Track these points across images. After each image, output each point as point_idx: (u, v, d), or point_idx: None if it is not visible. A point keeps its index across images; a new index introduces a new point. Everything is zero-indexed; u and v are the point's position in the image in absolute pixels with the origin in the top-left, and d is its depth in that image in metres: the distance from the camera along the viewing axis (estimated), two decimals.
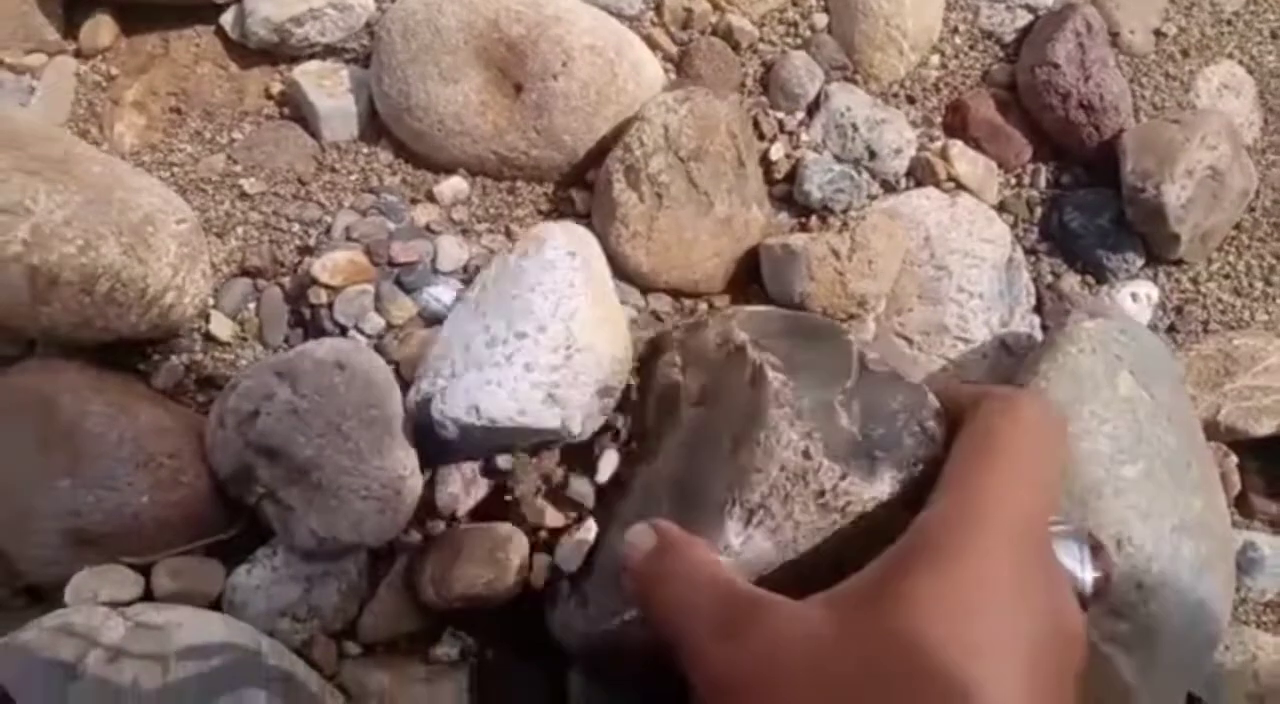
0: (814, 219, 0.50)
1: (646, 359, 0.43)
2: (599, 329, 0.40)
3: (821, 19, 0.53)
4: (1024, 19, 0.55)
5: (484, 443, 0.41)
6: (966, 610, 0.26)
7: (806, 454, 0.33)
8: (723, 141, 0.46)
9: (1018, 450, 0.31)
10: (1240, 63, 0.56)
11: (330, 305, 0.45)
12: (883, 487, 0.33)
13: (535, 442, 0.41)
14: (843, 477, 0.33)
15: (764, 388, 0.34)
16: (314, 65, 0.51)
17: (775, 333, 0.38)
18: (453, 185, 0.49)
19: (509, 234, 0.49)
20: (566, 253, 0.41)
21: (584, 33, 0.46)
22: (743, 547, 0.34)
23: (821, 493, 0.33)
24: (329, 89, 0.50)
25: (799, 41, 0.53)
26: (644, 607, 0.33)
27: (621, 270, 0.47)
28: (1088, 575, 0.32)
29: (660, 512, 0.36)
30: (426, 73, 0.47)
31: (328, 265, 0.45)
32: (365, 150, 0.51)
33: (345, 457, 0.41)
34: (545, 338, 0.39)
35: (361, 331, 0.45)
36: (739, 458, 0.34)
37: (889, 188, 0.51)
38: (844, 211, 0.50)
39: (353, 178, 0.50)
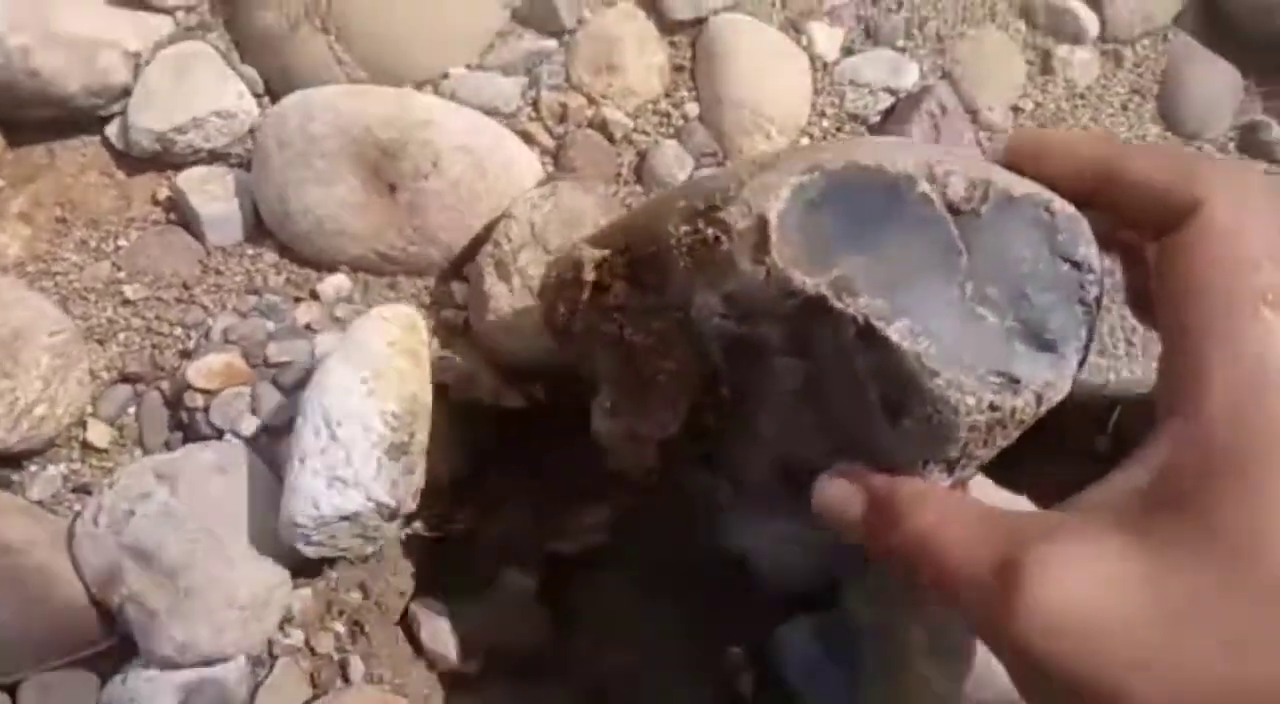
0: None
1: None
2: (359, 394, 0.40)
3: (693, 108, 0.56)
4: (886, 101, 0.57)
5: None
6: None
7: (993, 406, 0.28)
8: (589, 232, 0.48)
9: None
10: None
11: (207, 409, 0.46)
12: (1072, 363, 0.29)
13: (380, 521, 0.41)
14: (1038, 398, 0.28)
15: (895, 355, 0.27)
16: (199, 171, 0.52)
17: (823, 236, 0.28)
18: (335, 283, 0.50)
19: None
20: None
21: (453, 134, 0.48)
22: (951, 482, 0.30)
23: (1022, 420, 0.29)
24: (212, 194, 0.51)
25: (672, 131, 0.55)
26: (888, 556, 0.28)
27: (499, 361, 0.48)
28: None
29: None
30: (302, 177, 0.48)
31: (202, 370, 0.46)
32: (250, 252, 0.52)
33: (216, 563, 0.41)
34: (307, 425, 0.40)
35: (238, 434, 0.46)
36: (904, 425, 0.28)
37: None
38: None
39: (238, 279, 0.51)
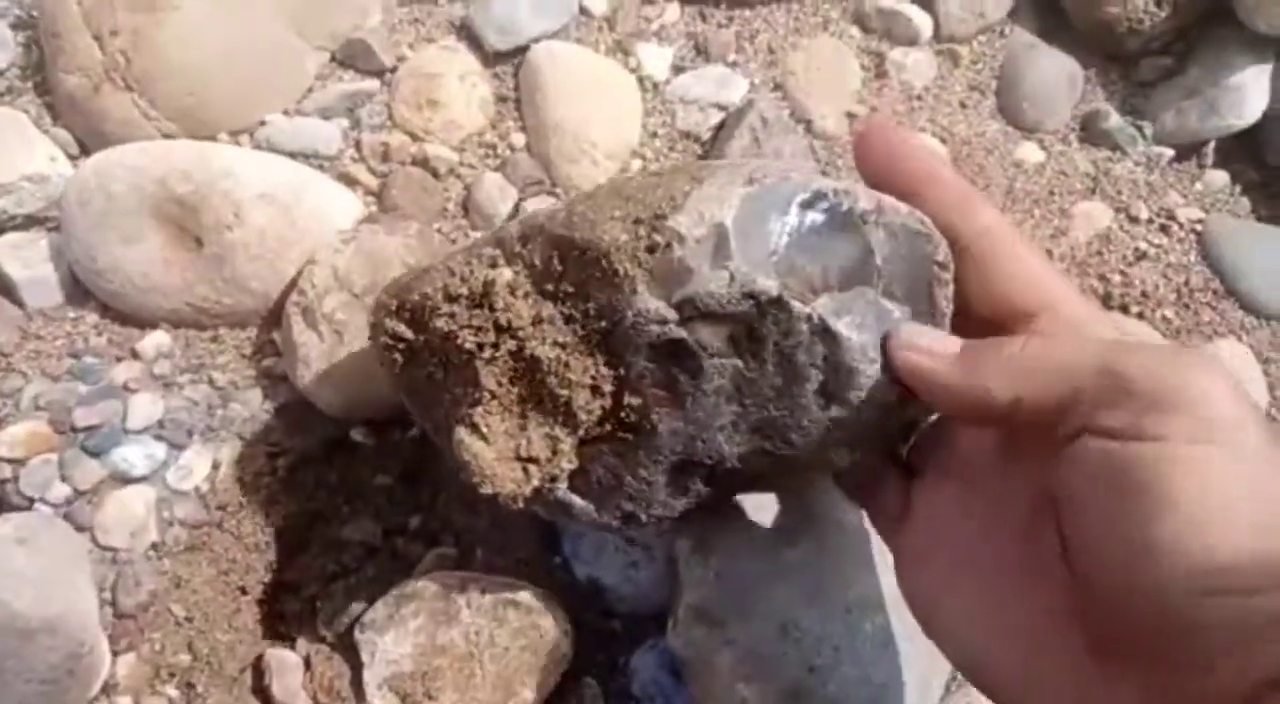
0: None
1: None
2: None
3: (520, 138, 0.56)
4: (716, 117, 0.57)
5: None
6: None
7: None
8: (398, 273, 0.47)
9: None
10: (933, 134, 0.59)
11: (16, 479, 0.45)
12: None
13: None
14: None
15: (843, 347, 0.31)
16: (13, 237, 0.52)
17: (773, 241, 0.31)
18: (154, 340, 0.50)
19: (211, 382, 0.49)
20: None
21: (254, 183, 0.48)
22: None
23: (915, 400, 0.33)
24: (27, 260, 0.51)
25: (499, 162, 0.55)
26: (973, 385, 0.29)
27: (313, 407, 0.47)
28: None
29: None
30: (107, 237, 0.48)
31: (6, 439, 0.45)
32: (71, 314, 0.51)
33: (12, 637, 0.40)
34: None
35: (47, 502, 0.45)
36: (833, 411, 0.32)
37: None
38: None
39: (58, 343, 0.50)
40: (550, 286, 0.33)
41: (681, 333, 0.31)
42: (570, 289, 0.33)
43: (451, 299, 0.34)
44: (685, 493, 0.36)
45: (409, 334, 0.36)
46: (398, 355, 0.37)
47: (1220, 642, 0.23)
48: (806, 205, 0.31)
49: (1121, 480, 0.25)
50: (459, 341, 0.34)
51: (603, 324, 0.32)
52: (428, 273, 0.36)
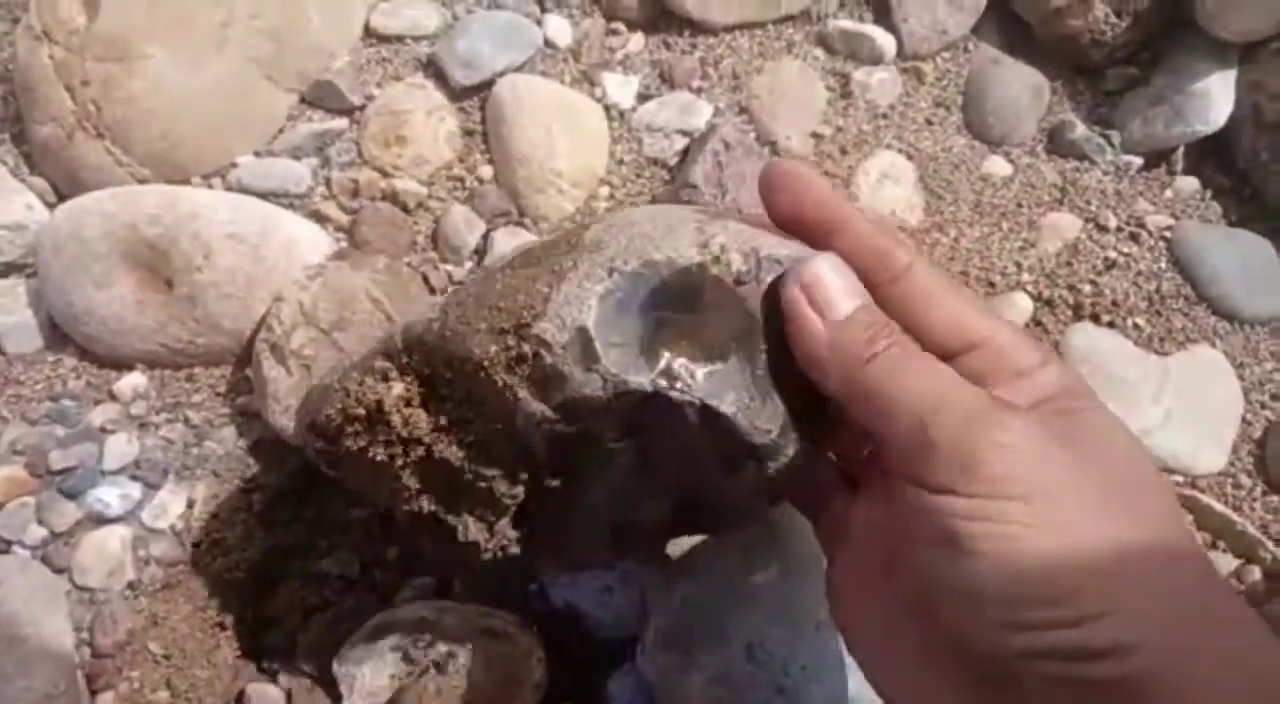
0: None
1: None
2: None
3: (487, 171, 0.56)
4: (681, 143, 0.58)
5: None
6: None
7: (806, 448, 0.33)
8: (365, 307, 0.48)
9: None
10: (899, 151, 0.60)
11: None
12: None
13: None
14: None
15: (731, 424, 0.31)
16: None
17: (641, 332, 0.31)
18: (131, 382, 0.51)
19: (187, 421, 0.50)
20: None
21: (222, 224, 0.49)
22: None
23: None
24: (6, 306, 0.52)
25: (466, 194, 0.56)
26: (851, 372, 0.29)
27: (286, 443, 0.48)
28: None
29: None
30: (81, 281, 0.49)
31: None
32: (51, 358, 0.52)
33: None
34: None
35: (24, 545, 0.46)
36: (743, 475, 0.33)
37: None
38: None
39: (38, 387, 0.51)
40: (445, 391, 0.34)
41: (572, 429, 0.32)
42: (462, 395, 0.33)
43: (351, 420, 0.35)
44: (628, 544, 0.37)
45: (329, 448, 0.37)
46: (325, 462, 0.38)
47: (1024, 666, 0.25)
48: (667, 287, 0.31)
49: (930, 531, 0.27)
50: (371, 455, 0.35)
51: (499, 426, 0.32)
52: (328, 392, 0.36)
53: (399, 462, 0.35)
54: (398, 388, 0.34)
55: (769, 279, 0.31)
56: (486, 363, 0.31)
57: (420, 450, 0.34)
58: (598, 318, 0.30)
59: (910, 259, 0.32)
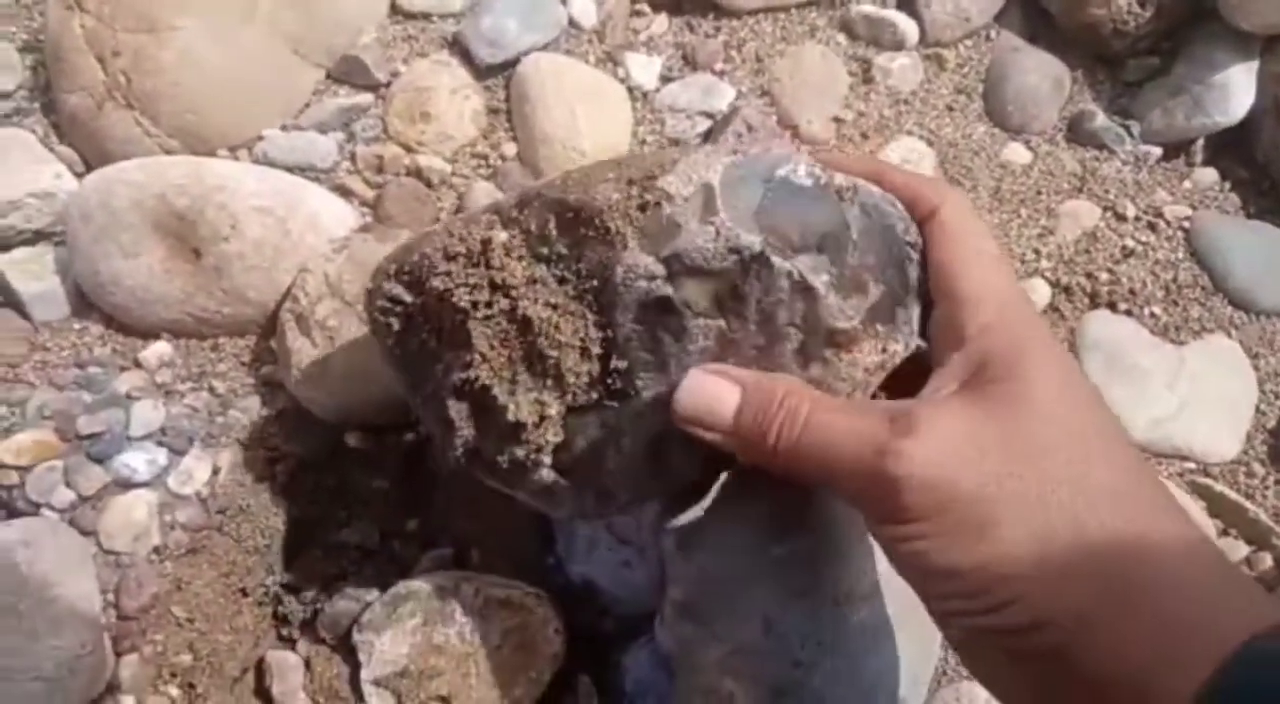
0: None
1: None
2: None
3: (511, 148, 0.57)
4: (704, 124, 0.58)
5: None
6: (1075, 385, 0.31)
7: (884, 350, 0.35)
8: None
9: (997, 247, 0.35)
10: (920, 137, 0.60)
11: (23, 485, 0.47)
12: (917, 318, 0.35)
13: None
14: (906, 345, 0.35)
15: (820, 305, 0.33)
16: (21, 253, 0.53)
17: (754, 204, 0.33)
18: (157, 350, 0.51)
19: (212, 389, 0.51)
20: None
21: (249, 196, 0.49)
22: None
23: (895, 364, 0.35)
24: (35, 273, 0.52)
25: (490, 171, 0.56)
26: (767, 462, 0.33)
27: (309, 413, 0.48)
28: None
29: None
30: (109, 250, 0.49)
31: (12, 447, 0.46)
32: (77, 326, 0.53)
33: (18, 637, 0.41)
34: None
35: (53, 508, 0.46)
36: (812, 371, 0.34)
37: None
38: None
39: (65, 354, 0.52)
40: (544, 249, 0.34)
41: (668, 290, 0.33)
42: (563, 251, 0.34)
43: (450, 258, 0.36)
44: (664, 471, 0.37)
45: (406, 297, 0.37)
46: (393, 320, 0.38)
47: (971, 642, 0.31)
48: (787, 173, 0.33)
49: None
50: (454, 299, 0.35)
51: (594, 283, 0.34)
52: (428, 236, 0.37)
53: (480, 313, 0.35)
54: (503, 235, 0.35)
55: (863, 205, 0.34)
56: (606, 209, 0.33)
57: (505, 303, 0.35)
58: (723, 178, 0.32)
59: (938, 202, 0.35)
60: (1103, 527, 0.28)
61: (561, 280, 0.34)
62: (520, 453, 0.36)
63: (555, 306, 0.34)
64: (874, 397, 0.37)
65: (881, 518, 0.30)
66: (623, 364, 0.34)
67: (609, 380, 0.35)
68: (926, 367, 0.34)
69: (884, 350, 0.35)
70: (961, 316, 0.33)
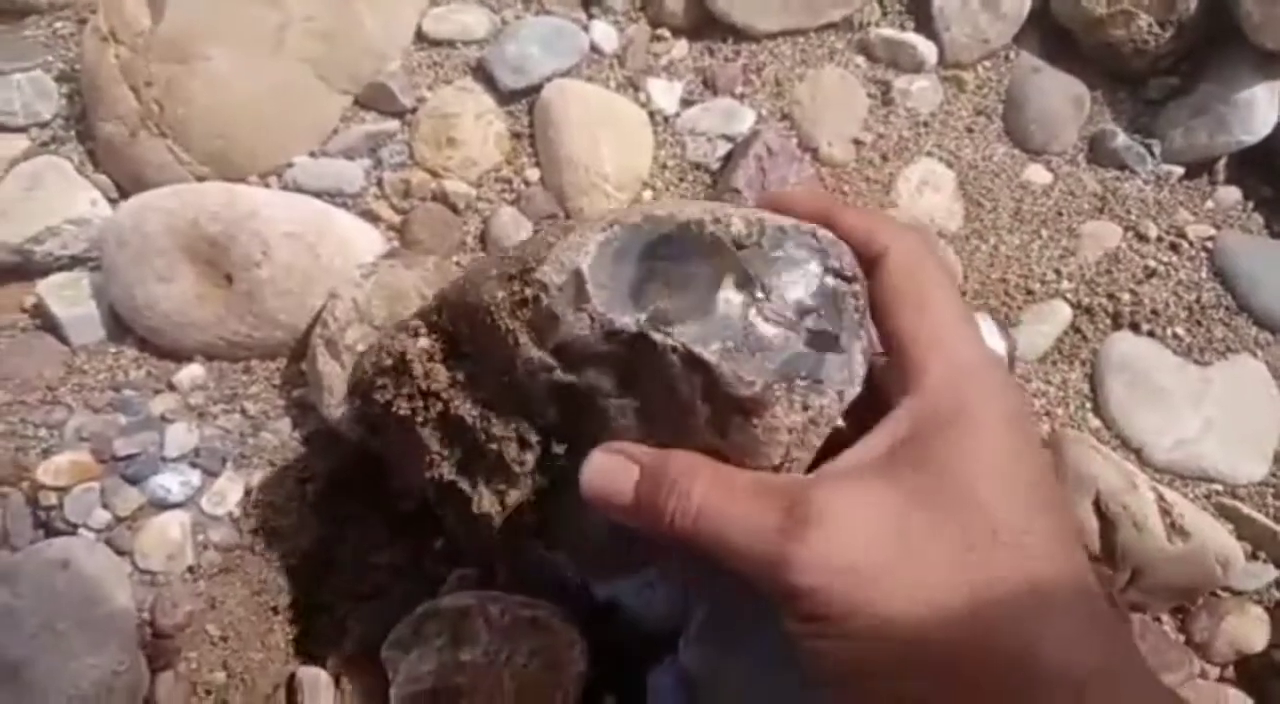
0: None
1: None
2: None
3: (534, 173, 0.58)
4: (724, 147, 0.59)
5: None
6: (1013, 454, 0.30)
7: (805, 407, 0.31)
8: (416, 305, 0.49)
9: (954, 291, 0.34)
10: (940, 159, 0.60)
11: (61, 506, 0.48)
12: (860, 362, 0.33)
13: None
14: (839, 395, 0.32)
15: (715, 374, 0.31)
16: (59, 277, 0.55)
17: (633, 279, 0.32)
18: (190, 372, 0.52)
19: (244, 411, 0.52)
20: None
21: (280, 222, 0.50)
22: None
23: (830, 418, 0.32)
24: (71, 298, 0.54)
25: (514, 196, 0.57)
26: (669, 537, 0.31)
27: (339, 434, 0.49)
28: (1001, 347, 0.43)
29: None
30: (144, 275, 0.51)
31: (50, 469, 0.48)
32: (113, 349, 0.54)
33: (56, 655, 0.43)
34: None
35: (89, 528, 0.47)
36: (733, 438, 0.32)
37: None
38: None
39: (101, 377, 0.53)
40: (465, 347, 0.35)
41: (571, 377, 0.33)
42: (477, 347, 0.35)
43: (381, 371, 0.37)
44: (634, 544, 0.36)
45: (371, 409, 0.39)
46: (368, 425, 0.40)
47: None
48: (666, 241, 0.32)
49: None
50: (396, 410, 0.37)
51: (505, 379, 0.34)
52: (367, 351, 0.39)
53: (419, 417, 0.37)
54: (423, 342, 0.36)
55: (774, 244, 0.32)
56: (493, 308, 0.33)
57: (439, 406, 0.36)
58: (593, 262, 0.31)
59: (886, 243, 0.34)
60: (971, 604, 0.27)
61: (480, 377, 0.35)
62: (501, 538, 0.37)
63: (483, 402, 0.35)
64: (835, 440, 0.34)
65: (780, 608, 0.29)
66: (560, 449, 0.35)
67: (551, 465, 0.35)
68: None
69: (805, 407, 0.31)
70: (902, 366, 0.32)
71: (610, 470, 0.32)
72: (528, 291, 0.32)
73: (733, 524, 0.29)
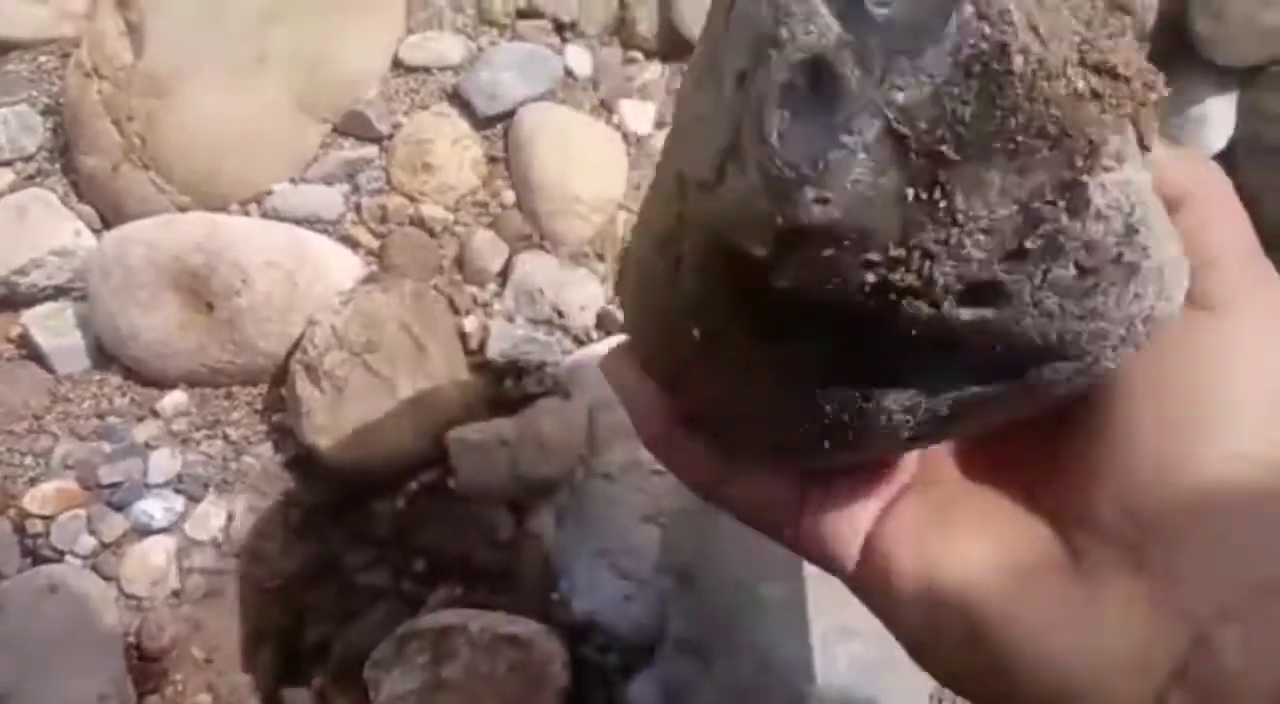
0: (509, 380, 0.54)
1: None
2: None
3: (510, 196, 0.59)
4: None
5: None
6: None
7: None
8: (394, 331, 0.51)
9: None
10: None
11: (47, 533, 0.49)
12: None
13: None
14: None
15: None
16: (44, 308, 0.56)
17: None
18: (173, 400, 0.53)
19: (226, 437, 0.53)
20: None
21: (258, 251, 0.51)
22: None
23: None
24: (56, 328, 0.55)
25: (490, 219, 0.58)
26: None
27: (320, 458, 0.50)
28: None
29: None
30: (127, 305, 0.52)
31: (36, 497, 0.49)
32: (97, 378, 0.55)
33: (44, 680, 0.43)
34: None
35: (76, 555, 0.48)
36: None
37: (580, 342, 0.56)
38: (539, 368, 0.54)
39: (86, 405, 0.54)
40: None
41: None
42: None
43: None
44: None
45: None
46: None
47: None
48: None
49: None
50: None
51: None
52: None
53: None
54: None
55: None
56: None
57: None
58: None
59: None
60: None
61: None
62: None
63: None
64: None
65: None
66: None
67: None
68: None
69: None
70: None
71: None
72: None
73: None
